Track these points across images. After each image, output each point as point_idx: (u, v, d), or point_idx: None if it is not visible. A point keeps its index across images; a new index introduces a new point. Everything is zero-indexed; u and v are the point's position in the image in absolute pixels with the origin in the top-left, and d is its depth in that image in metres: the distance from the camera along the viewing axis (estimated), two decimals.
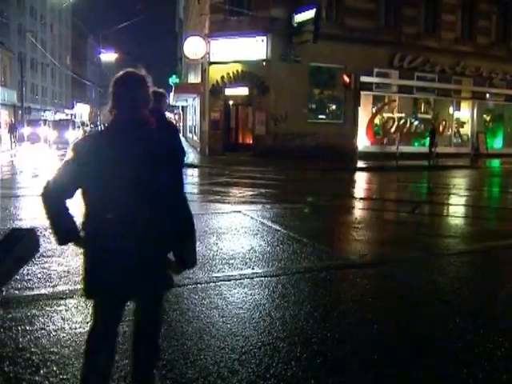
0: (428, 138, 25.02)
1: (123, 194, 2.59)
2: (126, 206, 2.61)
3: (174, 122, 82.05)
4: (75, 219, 2.72)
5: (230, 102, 25.92)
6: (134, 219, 2.62)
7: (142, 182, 2.62)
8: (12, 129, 37.81)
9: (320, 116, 26.06)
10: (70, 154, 2.65)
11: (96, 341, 2.80)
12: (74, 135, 36.38)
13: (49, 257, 6.34)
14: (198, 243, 6.85)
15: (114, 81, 2.75)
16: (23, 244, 2.95)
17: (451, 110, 29.19)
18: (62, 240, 2.76)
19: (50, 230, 2.75)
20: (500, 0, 29.79)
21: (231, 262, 6.35)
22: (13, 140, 36.21)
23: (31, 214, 9.12)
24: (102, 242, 2.61)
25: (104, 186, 2.59)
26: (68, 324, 4.32)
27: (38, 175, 16.68)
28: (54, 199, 2.66)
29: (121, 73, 2.78)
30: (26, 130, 42.14)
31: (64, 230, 2.72)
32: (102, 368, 2.79)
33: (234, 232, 8.04)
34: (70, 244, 2.79)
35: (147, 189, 2.63)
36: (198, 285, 5.47)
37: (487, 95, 29.82)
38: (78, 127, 39.69)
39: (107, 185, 2.59)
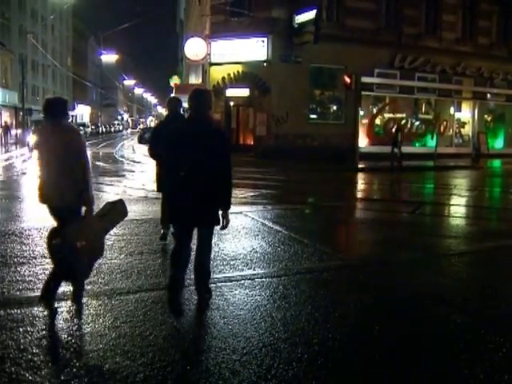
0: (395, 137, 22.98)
1: (191, 162, 4.41)
2: (191, 169, 4.39)
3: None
4: None
5: (231, 103, 25.93)
6: (197, 178, 4.40)
7: (203, 154, 4.41)
8: (6, 131, 35.72)
9: (321, 117, 26.04)
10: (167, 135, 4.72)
11: (175, 253, 4.71)
12: None
13: (50, 258, 6.34)
14: None
15: (190, 93, 4.65)
16: (118, 207, 4.97)
17: (452, 110, 29.15)
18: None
19: None
20: (500, 0, 29.76)
21: (232, 262, 6.35)
22: (8, 142, 34.50)
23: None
24: (176, 191, 4.49)
25: (180, 154, 4.45)
26: (69, 325, 4.32)
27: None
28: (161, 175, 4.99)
29: (194, 88, 4.94)
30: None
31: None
32: (179, 269, 4.66)
33: (235, 233, 8.03)
34: None
35: (206, 159, 4.42)
36: None
37: (488, 95, 29.79)
38: None
39: (180, 156, 4.44)
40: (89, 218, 4.68)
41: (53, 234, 4.80)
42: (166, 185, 4.66)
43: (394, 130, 22.91)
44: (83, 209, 4.69)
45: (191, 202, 4.41)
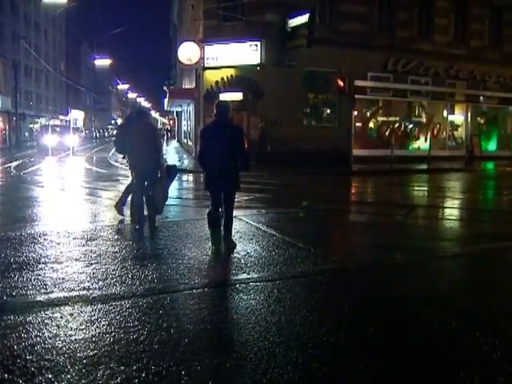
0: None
1: (218, 149, 6.73)
2: (219, 154, 6.71)
3: (169, 126, 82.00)
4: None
5: None
6: (222, 159, 6.73)
7: (226, 145, 6.70)
8: None
9: (314, 120, 26.07)
10: (200, 135, 7.13)
11: (210, 211, 7.05)
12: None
13: (44, 263, 6.32)
14: (193, 249, 6.85)
15: (215, 105, 6.96)
16: (174, 171, 9.31)
17: (445, 113, 29.20)
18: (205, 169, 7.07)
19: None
20: (492, 3, 29.97)
21: (226, 267, 6.34)
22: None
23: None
24: (210, 168, 6.90)
25: (210, 146, 6.83)
26: (63, 331, 4.30)
27: None
28: (201, 158, 7.07)
29: (218, 101, 7.29)
30: (49, 139, 36.00)
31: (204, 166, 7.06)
32: (213, 218, 7.05)
33: None
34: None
35: (228, 148, 6.72)
36: (194, 290, 5.46)
37: (481, 98, 29.85)
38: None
39: (212, 145, 6.79)
40: (163, 177, 8.32)
41: (142, 190, 8.30)
42: (206, 165, 6.94)
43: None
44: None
45: (220, 175, 6.75)
